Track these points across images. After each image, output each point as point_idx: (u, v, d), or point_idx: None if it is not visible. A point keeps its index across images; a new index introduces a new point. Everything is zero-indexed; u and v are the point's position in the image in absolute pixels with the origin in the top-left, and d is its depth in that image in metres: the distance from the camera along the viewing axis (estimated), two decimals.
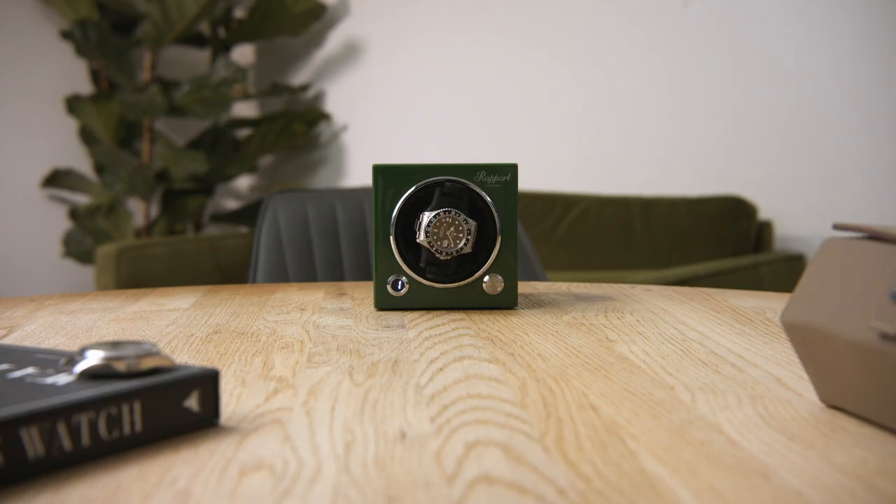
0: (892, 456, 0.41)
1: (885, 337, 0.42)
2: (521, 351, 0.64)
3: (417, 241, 0.80)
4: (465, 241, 0.80)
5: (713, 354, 0.63)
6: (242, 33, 3.09)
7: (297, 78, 3.21)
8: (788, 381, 0.55)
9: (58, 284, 3.12)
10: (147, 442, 0.42)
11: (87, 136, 3.06)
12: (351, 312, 0.81)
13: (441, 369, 0.58)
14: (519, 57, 2.91)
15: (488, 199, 0.80)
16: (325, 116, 3.05)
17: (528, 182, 2.51)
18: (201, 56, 3.25)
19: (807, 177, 2.43)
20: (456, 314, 0.80)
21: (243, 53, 3.34)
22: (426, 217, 0.79)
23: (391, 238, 0.81)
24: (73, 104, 2.98)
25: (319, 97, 3.15)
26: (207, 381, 0.45)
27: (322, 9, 3.03)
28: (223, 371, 0.58)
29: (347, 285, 1.01)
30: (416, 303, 0.82)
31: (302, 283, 1.14)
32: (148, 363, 0.44)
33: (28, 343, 0.68)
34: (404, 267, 0.81)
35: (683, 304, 0.86)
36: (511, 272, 0.82)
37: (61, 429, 0.38)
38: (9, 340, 0.69)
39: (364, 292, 0.93)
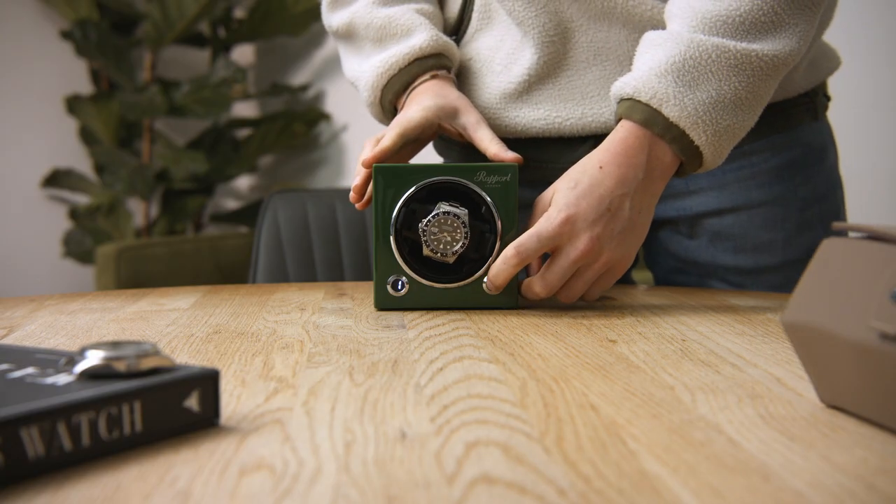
0: (892, 456, 0.41)
1: (885, 337, 0.42)
2: (521, 351, 0.64)
3: (417, 241, 0.80)
4: (463, 244, 0.80)
5: (713, 354, 0.63)
6: (242, 33, 3.09)
7: (297, 78, 3.21)
8: (788, 381, 0.55)
9: (58, 284, 3.12)
10: (147, 442, 0.42)
11: (87, 136, 3.05)
12: (351, 312, 0.81)
13: (441, 369, 0.58)
14: None
15: (488, 199, 0.80)
16: (325, 116, 3.05)
17: None
18: (201, 56, 3.25)
19: None
20: (456, 314, 0.80)
21: (243, 53, 3.34)
22: (425, 217, 0.79)
23: (391, 238, 0.81)
24: (73, 104, 2.98)
25: (319, 97, 3.16)
26: (207, 381, 0.45)
27: None
28: (223, 371, 0.58)
29: (347, 285, 1.01)
30: (416, 303, 0.82)
31: (302, 283, 1.14)
32: (148, 363, 0.44)
33: (28, 343, 0.68)
34: (404, 267, 0.81)
35: (683, 304, 0.86)
36: None
37: (61, 429, 0.39)
38: (9, 340, 0.69)
39: (364, 292, 0.93)
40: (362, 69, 0.97)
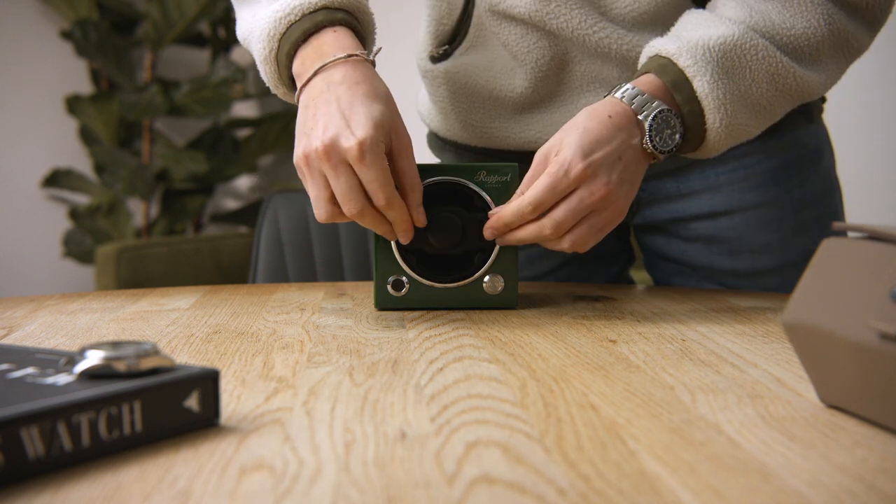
0: (892, 456, 0.41)
1: (885, 337, 0.42)
2: (521, 351, 0.64)
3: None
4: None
5: (713, 354, 0.63)
6: None
7: None
8: (788, 381, 0.55)
9: (58, 284, 3.12)
10: (147, 442, 0.42)
11: (87, 136, 3.05)
12: (351, 312, 0.81)
13: (441, 369, 0.58)
14: None
15: (489, 199, 0.80)
16: None
17: None
18: (201, 56, 3.24)
19: None
20: (456, 314, 0.80)
21: (243, 53, 3.34)
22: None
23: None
24: (73, 104, 2.98)
25: None
26: (207, 381, 0.45)
27: None
28: (223, 371, 0.58)
29: (347, 285, 1.01)
30: (416, 303, 0.82)
31: (302, 283, 1.14)
32: (148, 363, 0.44)
33: (28, 343, 0.68)
34: (404, 267, 0.81)
35: (683, 304, 0.86)
36: (511, 272, 0.82)
37: (61, 429, 0.39)
38: (9, 340, 0.69)
39: (364, 292, 0.93)
40: (257, 18, 0.82)
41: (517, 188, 0.80)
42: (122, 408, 0.41)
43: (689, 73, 0.77)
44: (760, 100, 0.80)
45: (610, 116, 0.76)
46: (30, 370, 0.45)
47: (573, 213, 0.74)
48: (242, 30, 0.87)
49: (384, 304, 0.82)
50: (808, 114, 0.98)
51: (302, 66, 0.79)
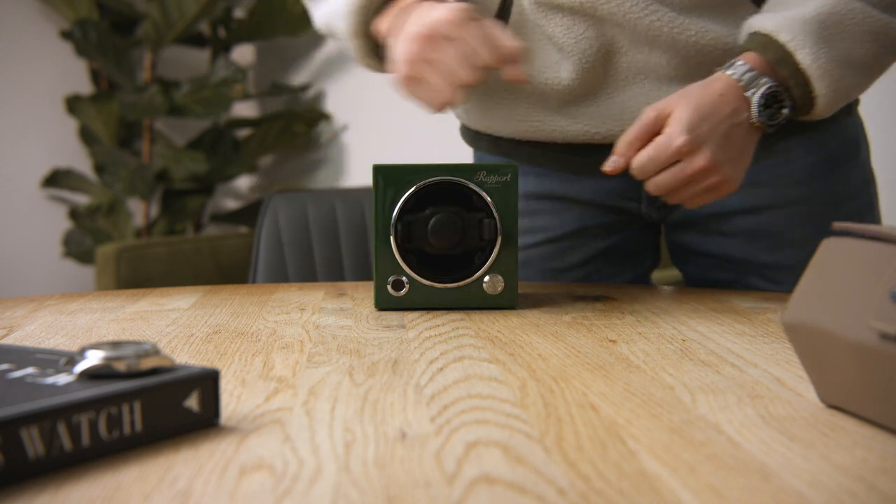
0: (892, 456, 0.41)
1: (885, 337, 0.42)
2: (521, 351, 0.64)
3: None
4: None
5: (713, 354, 0.63)
6: (242, 33, 3.09)
7: (297, 78, 3.21)
8: (788, 381, 0.55)
9: (58, 284, 3.12)
10: (147, 442, 0.42)
11: (87, 136, 3.05)
12: (351, 312, 0.81)
13: (441, 369, 0.58)
14: None
15: (488, 199, 0.80)
16: (325, 116, 3.05)
17: None
18: (201, 56, 3.24)
19: None
20: (456, 314, 0.80)
21: (243, 53, 3.34)
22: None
23: (391, 238, 0.81)
24: (73, 104, 2.98)
25: (319, 97, 3.15)
26: (207, 381, 0.45)
27: None
28: (223, 371, 0.58)
29: (347, 285, 1.01)
30: (416, 303, 0.82)
31: (302, 283, 1.14)
32: (148, 363, 0.44)
33: (28, 343, 0.68)
34: (404, 267, 0.81)
35: (683, 304, 0.85)
36: (511, 272, 0.82)
37: (61, 429, 0.39)
38: (9, 340, 0.69)
39: (364, 292, 0.93)
40: (335, 4, 0.88)
41: (517, 188, 0.81)
42: (122, 408, 0.41)
43: (790, 47, 0.80)
44: (865, 58, 0.83)
45: (721, 95, 0.81)
46: (30, 370, 0.45)
47: (674, 179, 0.81)
48: (321, 20, 0.93)
49: (384, 304, 0.82)
50: (847, 106, 0.99)
51: (386, 21, 0.84)
